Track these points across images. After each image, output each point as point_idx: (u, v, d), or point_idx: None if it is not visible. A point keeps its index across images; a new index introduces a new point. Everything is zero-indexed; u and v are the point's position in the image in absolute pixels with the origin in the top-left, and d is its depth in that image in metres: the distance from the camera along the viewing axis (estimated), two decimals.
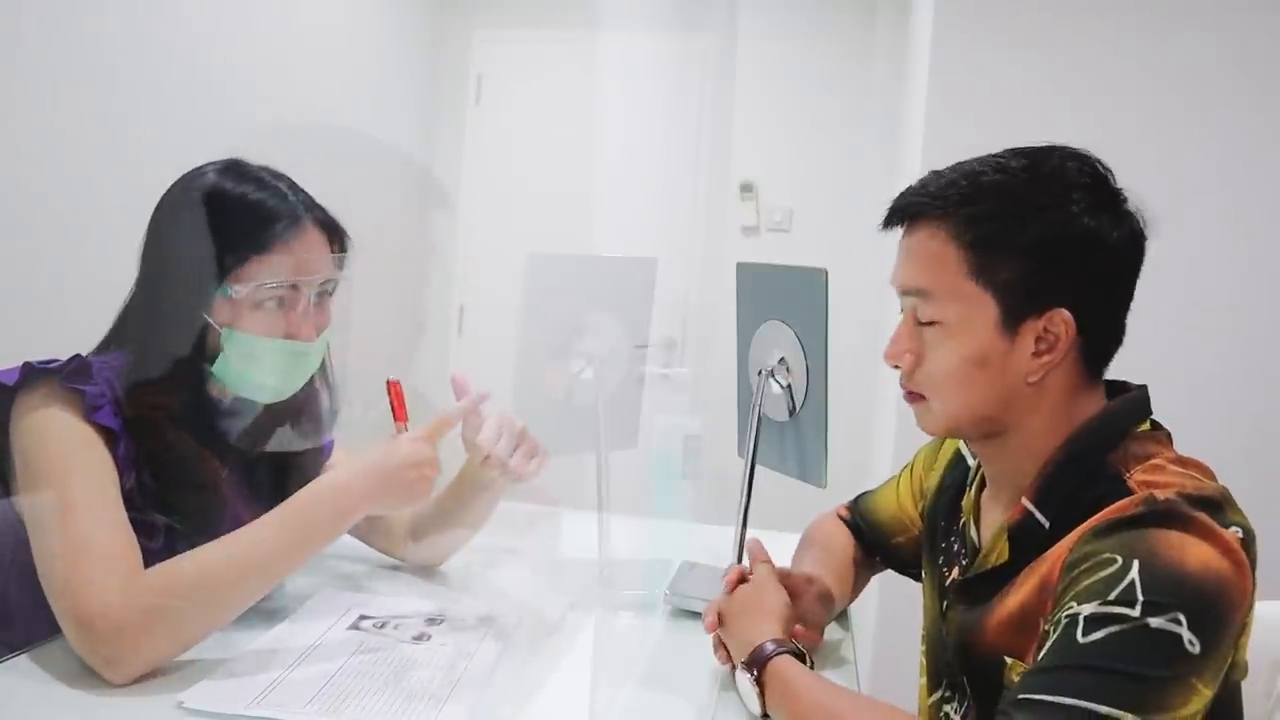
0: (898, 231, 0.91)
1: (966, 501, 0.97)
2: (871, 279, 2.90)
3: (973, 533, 0.94)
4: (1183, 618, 0.68)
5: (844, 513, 1.25)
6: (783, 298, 1.21)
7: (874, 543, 1.19)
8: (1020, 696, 0.71)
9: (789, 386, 1.21)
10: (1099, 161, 0.85)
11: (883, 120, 3.27)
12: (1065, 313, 0.82)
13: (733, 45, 3.57)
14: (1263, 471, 1.85)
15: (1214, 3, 2.03)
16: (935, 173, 0.88)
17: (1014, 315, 0.83)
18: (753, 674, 0.88)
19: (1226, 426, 1.95)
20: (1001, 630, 0.83)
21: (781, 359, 1.21)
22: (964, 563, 0.93)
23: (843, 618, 1.18)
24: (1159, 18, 2.04)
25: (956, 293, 0.84)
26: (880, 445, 2.46)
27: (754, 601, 0.97)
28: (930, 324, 0.86)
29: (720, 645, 0.99)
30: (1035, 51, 2.08)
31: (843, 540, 1.20)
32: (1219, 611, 0.70)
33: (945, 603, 0.95)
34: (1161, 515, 0.73)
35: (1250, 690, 0.90)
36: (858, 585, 1.19)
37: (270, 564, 0.93)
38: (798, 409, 1.20)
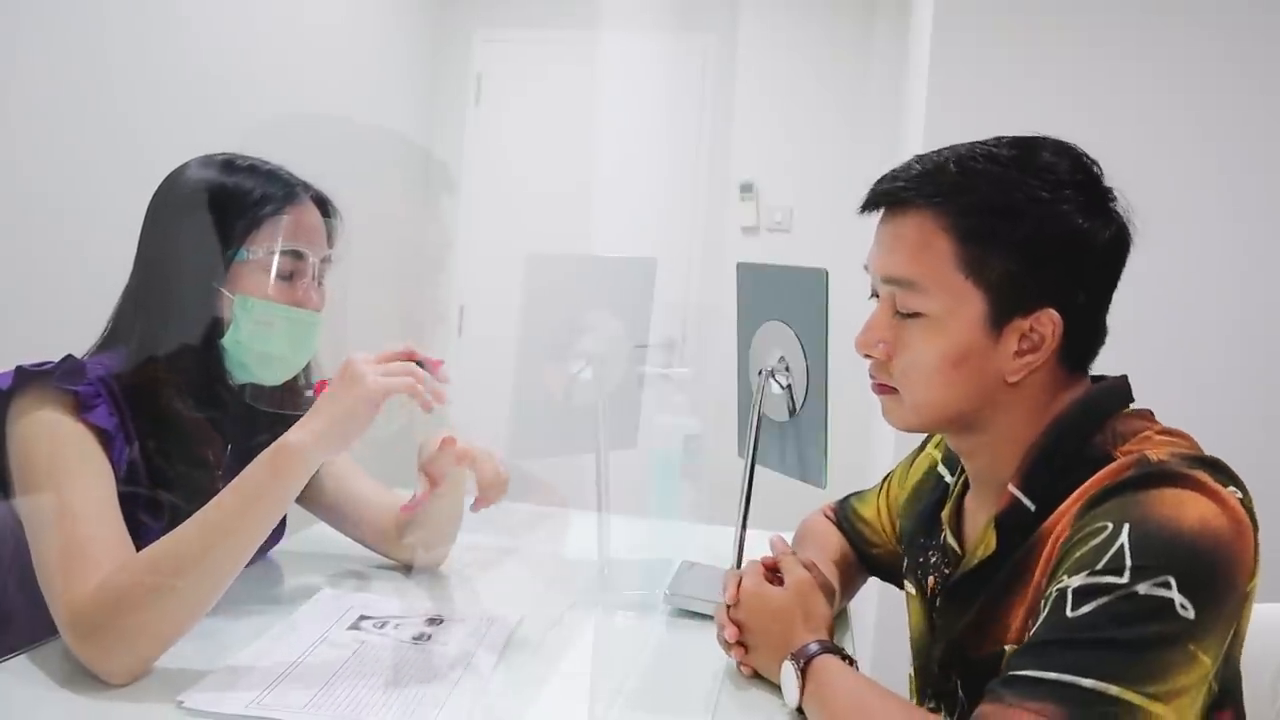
0: None
1: (945, 514, 0.95)
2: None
3: (951, 542, 0.92)
4: (1173, 581, 0.66)
5: (829, 513, 1.24)
6: (783, 298, 1.21)
7: (856, 546, 1.19)
8: (1009, 674, 0.69)
9: (789, 386, 1.20)
10: (1087, 156, 0.83)
11: (883, 120, 3.27)
12: (1053, 313, 0.80)
13: (733, 45, 3.57)
14: (1263, 472, 1.85)
15: (1214, 2, 2.03)
16: (918, 157, 0.84)
17: (1002, 313, 0.80)
18: (799, 664, 0.87)
19: (1227, 426, 1.94)
20: (1001, 627, 0.81)
21: (781, 359, 1.20)
22: (946, 570, 0.92)
23: (842, 618, 1.18)
24: (1159, 17, 2.04)
25: (944, 285, 0.81)
26: (880, 445, 2.46)
27: (798, 609, 0.94)
28: (911, 315, 0.83)
29: (734, 644, 0.96)
30: (1035, 51, 2.08)
31: (835, 539, 1.20)
32: (1215, 572, 0.67)
33: (932, 612, 0.93)
34: (1156, 475, 0.71)
35: (1253, 692, 0.90)
36: (854, 585, 1.19)
37: (229, 529, 0.88)
38: (798, 409, 1.20)
